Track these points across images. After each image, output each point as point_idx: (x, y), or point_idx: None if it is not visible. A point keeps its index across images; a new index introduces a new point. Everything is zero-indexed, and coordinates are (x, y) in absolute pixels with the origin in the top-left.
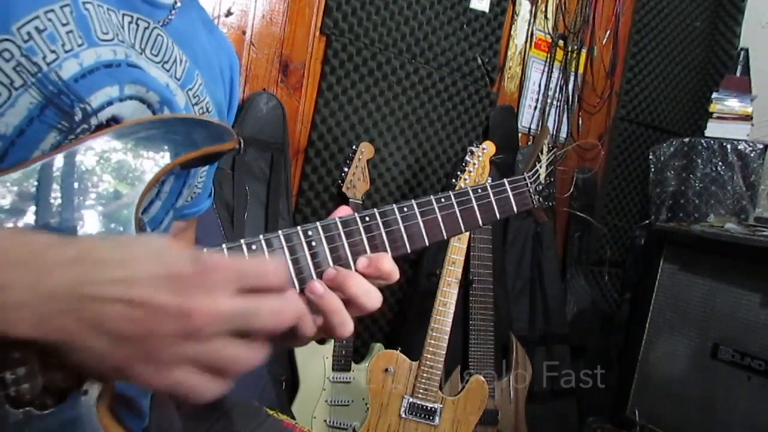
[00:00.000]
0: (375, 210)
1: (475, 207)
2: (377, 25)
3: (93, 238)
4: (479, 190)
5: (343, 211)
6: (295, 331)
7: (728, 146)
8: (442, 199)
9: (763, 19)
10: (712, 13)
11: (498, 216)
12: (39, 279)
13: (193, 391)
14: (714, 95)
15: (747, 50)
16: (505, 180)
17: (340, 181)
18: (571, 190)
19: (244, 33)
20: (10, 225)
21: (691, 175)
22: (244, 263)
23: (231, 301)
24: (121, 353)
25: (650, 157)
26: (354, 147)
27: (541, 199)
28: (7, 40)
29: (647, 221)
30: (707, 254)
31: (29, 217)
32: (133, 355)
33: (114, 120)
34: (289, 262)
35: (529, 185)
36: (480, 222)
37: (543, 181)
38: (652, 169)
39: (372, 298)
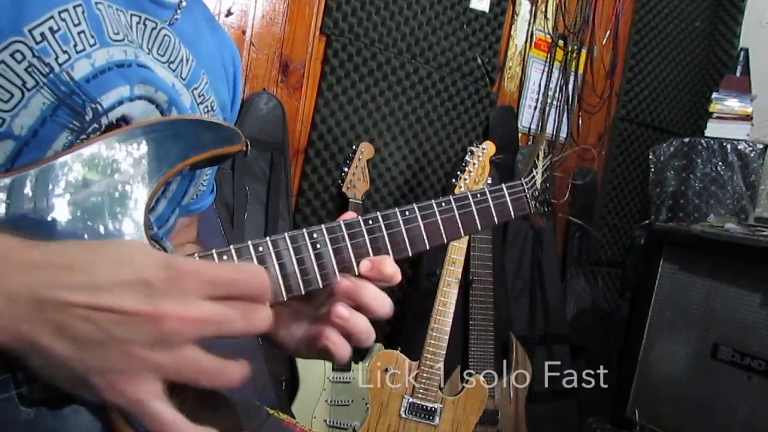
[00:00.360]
0: (378, 213)
1: (475, 211)
2: (377, 25)
3: (61, 242)
4: (478, 195)
5: (347, 216)
6: (331, 355)
7: (728, 146)
8: (443, 204)
9: (763, 19)
10: (712, 13)
11: (496, 221)
12: (1, 283)
13: (155, 411)
14: (714, 95)
15: (747, 50)
16: (503, 185)
17: (340, 181)
18: (567, 196)
19: (244, 33)
20: (18, 224)
21: (691, 175)
22: (219, 268)
23: (204, 307)
24: (83, 360)
25: (650, 157)
26: (354, 147)
27: (537, 204)
28: (18, 41)
29: (647, 221)
30: (707, 254)
31: (40, 215)
32: (97, 362)
33: (124, 119)
34: (295, 263)
35: (526, 191)
36: (479, 226)
37: (539, 187)
38: (652, 169)
39: (383, 305)
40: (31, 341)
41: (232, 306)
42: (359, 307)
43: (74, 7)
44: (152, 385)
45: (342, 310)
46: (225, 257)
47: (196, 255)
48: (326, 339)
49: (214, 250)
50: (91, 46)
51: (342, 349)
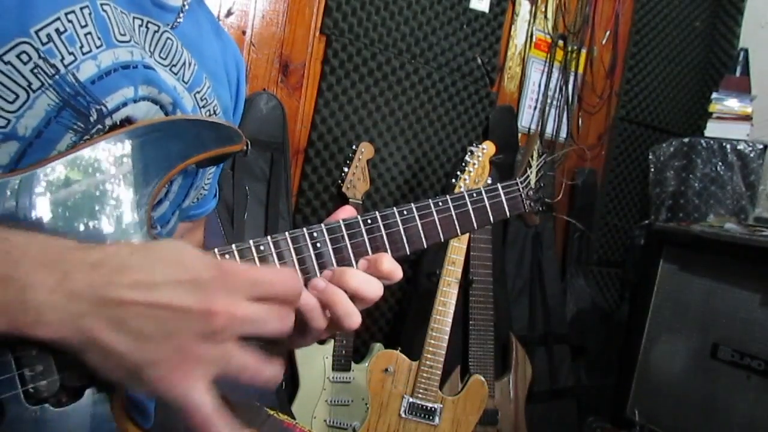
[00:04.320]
0: (377, 212)
1: (471, 210)
2: (377, 25)
3: (115, 243)
4: (474, 195)
5: (346, 210)
6: (306, 323)
7: (728, 146)
8: (440, 203)
9: (763, 19)
10: (712, 13)
11: (492, 219)
12: (62, 281)
13: (202, 404)
14: (714, 95)
15: (747, 50)
16: (499, 185)
17: (340, 181)
18: (561, 196)
19: (244, 33)
20: (27, 224)
21: (690, 175)
22: (262, 272)
23: (248, 306)
24: (140, 354)
25: (650, 157)
26: (354, 147)
27: (532, 203)
28: (24, 42)
29: (647, 221)
30: (707, 254)
31: (43, 215)
32: (152, 355)
33: (128, 121)
34: (296, 263)
35: (521, 190)
36: (475, 225)
37: (534, 186)
38: (652, 169)
39: (372, 287)
40: (91, 336)
41: (269, 307)
42: (350, 293)
43: (81, 9)
44: (200, 380)
45: (318, 281)
46: (227, 256)
47: None
48: (304, 308)
49: (216, 249)
50: (97, 47)
51: (316, 317)
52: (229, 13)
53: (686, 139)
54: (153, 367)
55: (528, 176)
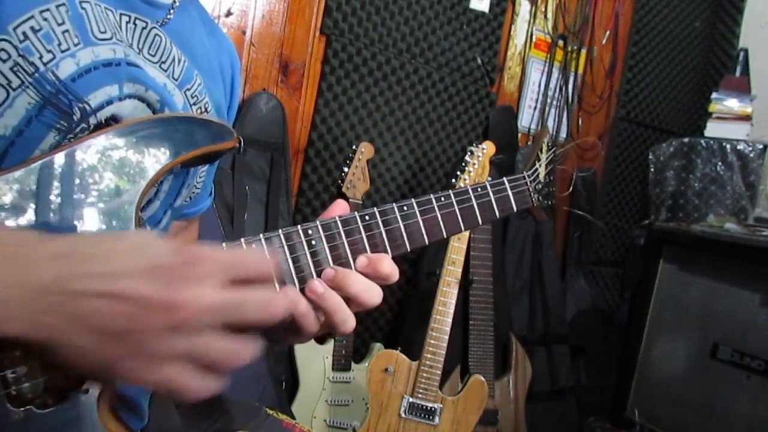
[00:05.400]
0: (375, 209)
1: (475, 206)
2: (377, 25)
3: (78, 234)
4: (479, 189)
5: (340, 206)
6: (299, 327)
7: (728, 146)
8: (442, 198)
9: (762, 19)
10: (711, 13)
11: (497, 215)
12: (25, 275)
13: (185, 389)
14: (713, 95)
15: (746, 50)
16: (505, 179)
17: (340, 181)
18: (570, 189)
19: (244, 33)
20: (10, 223)
21: (690, 175)
22: (230, 253)
23: (218, 293)
24: (107, 350)
25: (650, 157)
26: (354, 147)
27: (540, 197)
28: (3, 40)
29: (647, 221)
30: (707, 254)
31: (29, 216)
32: (119, 351)
33: (113, 119)
34: (290, 261)
35: (528, 184)
36: (480, 221)
37: (542, 180)
38: (652, 169)
39: (372, 295)
40: (59, 334)
41: (245, 291)
42: (348, 297)
43: (57, 7)
44: (173, 368)
45: (317, 285)
46: None
47: None
48: (296, 310)
49: None
50: (75, 45)
51: (309, 322)
52: (229, 13)
53: (686, 139)
54: (122, 362)
55: (537, 170)
